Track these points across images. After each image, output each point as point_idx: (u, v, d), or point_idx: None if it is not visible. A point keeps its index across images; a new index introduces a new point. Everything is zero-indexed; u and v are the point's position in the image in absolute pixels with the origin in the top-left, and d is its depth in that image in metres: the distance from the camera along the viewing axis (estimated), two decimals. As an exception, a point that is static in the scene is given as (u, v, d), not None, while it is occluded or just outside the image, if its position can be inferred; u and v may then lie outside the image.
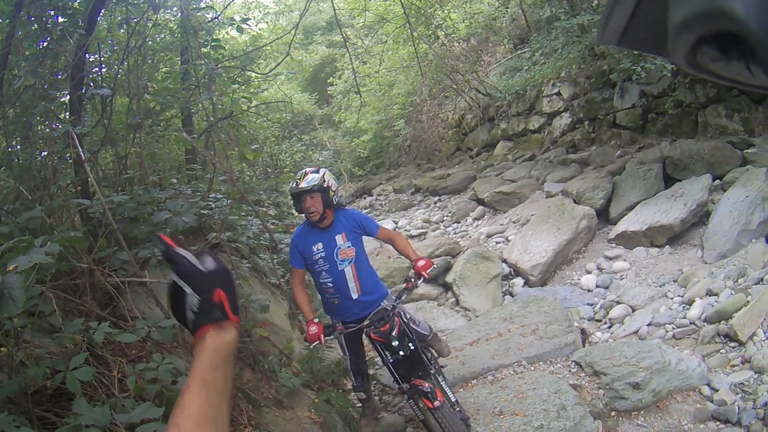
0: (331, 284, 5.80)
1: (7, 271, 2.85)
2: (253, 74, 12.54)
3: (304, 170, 5.77)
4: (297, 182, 5.60)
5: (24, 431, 2.66)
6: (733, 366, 7.12)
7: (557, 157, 16.38)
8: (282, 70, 16.85)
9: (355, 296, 5.81)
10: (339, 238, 5.76)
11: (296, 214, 8.19)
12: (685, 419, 6.53)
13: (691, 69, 0.84)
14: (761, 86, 0.80)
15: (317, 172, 5.67)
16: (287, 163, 19.87)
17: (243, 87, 11.24)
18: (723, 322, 7.77)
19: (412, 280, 5.71)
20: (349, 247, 5.79)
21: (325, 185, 5.58)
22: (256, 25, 21.50)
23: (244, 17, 9.69)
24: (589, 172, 13.96)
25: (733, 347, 7.42)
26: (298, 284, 5.94)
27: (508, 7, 20.98)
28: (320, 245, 5.74)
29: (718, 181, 10.96)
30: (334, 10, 13.30)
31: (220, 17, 10.36)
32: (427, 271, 5.67)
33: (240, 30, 9.24)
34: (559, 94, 17.72)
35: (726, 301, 8.02)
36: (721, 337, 7.65)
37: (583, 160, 15.08)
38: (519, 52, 22.06)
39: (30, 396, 3.35)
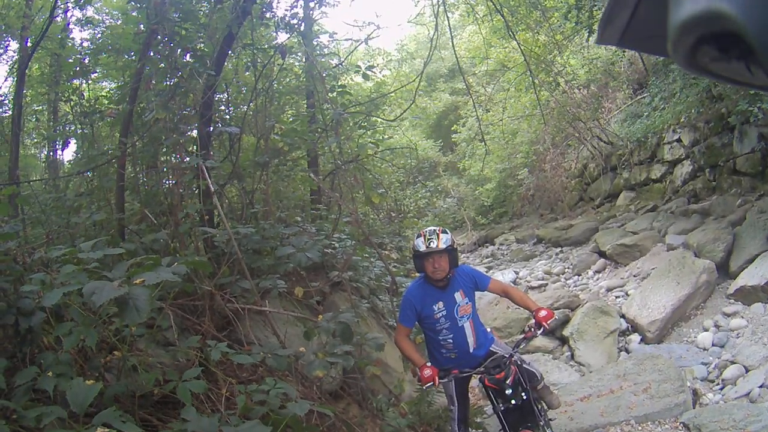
0: (451, 341, 5.74)
1: (134, 284, 3.08)
2: (379, 120, 12.81)
3: (432, 230, 5.72)
4: (431, 241, 5.52)
5: (129, 427, 2.81)
6: None
7: (679, 207, 15.88)
8: (406, 116, 17.16)
9: (471, 350, 5.78)
10: (458, 296, 5.71)
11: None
12: (789, 487, 6.20)
13: (691, 69, 0.87)
14: (761, 86, 0.83)
15: (445, 233, 5.67)
16: (411, 208, 20.03)
17: (368, 132, 11.52)
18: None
19: (532, 329, 5.63)
20: (467, 303, 5.75)
21: (454, 246, 5.60)
22: (379, 72, 21.93)
23: (370, 65, 9.95)
24: (710, 222, 13.49)
25: None
26: (404, 338, 5.87)
27: (625, 51, 20.72)
28: (441, 304, 5.67)
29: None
30: (456, 58, 13.51)
31: (343, 63, 10.70)
32: (548, 322, 5.56)
33: (366, 77, 9.52)
34: (679, 140, 17.22)
35: None
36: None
37: (704, 210, 14.56)
38: (639, 97, 21.57)
39: (136, 399, 3.56)
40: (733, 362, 8.75)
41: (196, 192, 6.98)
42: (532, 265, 18.50)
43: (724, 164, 15.02)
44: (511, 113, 24.74)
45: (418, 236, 5.64)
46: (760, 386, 7.82)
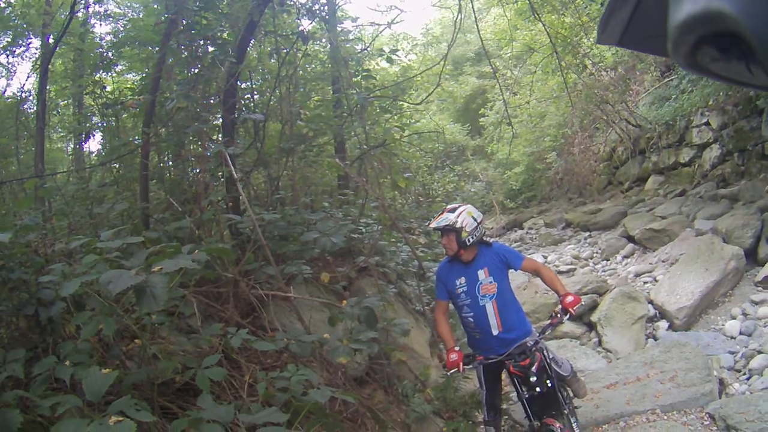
0: (472, 319, 5.75)
1: (152, 272, 3.09)
2: (405, 104, 12.77)
3: (443, 208, 5.87)
4: (432, 219, 5.79)
5: (143, 415, 2.82)
6: None
7: (707, 192, 15.68)
8: (433, 99, 17.06)
9: (495, 332, 5.68)
10: (481, 273, 5.71)
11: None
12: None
13: (692, 69, 0.87)
14: (761, 86, 0.83)
15: (453, 212, 5.66)
16: (439, 192, 19.99)
17: (395, 116, 11.47)
18: None
19: (558, 315, 5.58)
20: (491, 282, 5.70)
21: (457, 226, 5.53)
22: (405, 57, 21.78)
23: (394, 48, 9.93)
24: (738, 208, 13.29)
25: None
26: (440, 314, 5.98)
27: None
28: (462, 279, 5.73)
29: None
30: (482, 41, 13.33)
31: (369, 48, 10.67)
32: (575, 308, 5.51)
33: (390, 61, 9.47)
34: (708, 124, 16.94)
35: None
36: None
37: (732, 195, 14.33)
38: (666, 80, 21.24)
39: (157, 387, 3.60)
40: (760, 352, 8.63)
41: (222, 180, 7.03)
42: (561, 249, 18.50)
43: (753, 148, 14.73)
44: (539, 96, 24.59)
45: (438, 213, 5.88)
46: (787, 377, 7.66)
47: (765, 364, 8.30)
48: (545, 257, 17.34)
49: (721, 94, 15.63)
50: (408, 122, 13.79)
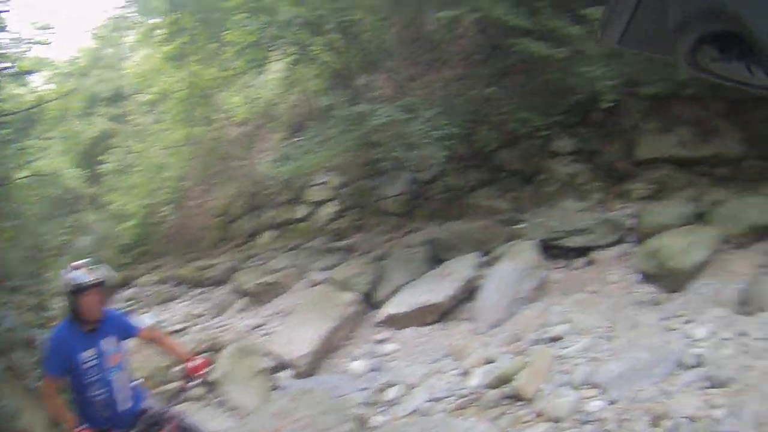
0: (103, 396, 5.03)
1: None
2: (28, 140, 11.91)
3: (81, 263, 5.18)
4: (95, 271, 5.02)
5: None
6: (526, 422, 7.11)
7: (322, 245, 16.57)
8: (56, 137, 16.12)
9: (126, 406, 5.16)
10: (109, 343, 5.11)
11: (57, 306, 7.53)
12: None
13: (692, 69, 0.91)
14: (761, 86, 0.86)
15: (93, 266, 5.13)
16: (52, 246, 18.87)
17: (18, 151, 10.67)
18: (505, 385, 7.79)
19: (187, 383, 5.51)
20: (117, 351, 5.14)
21: (109, 282, 5.17)
22: (44, 85, 20.49)
23: (28, 70, 9.28)
24: (354, 258, 14.18)
25: (521, 405, 7.40)
26: (54, 391, 5.09)
27: (291, 94, 21.22)
28: (92, 351, 4.97)
29: (486, 257, 11.39)
30: (122, 80, 13.02)
31: (13, 68, 9.90)
32: (201, 372, 5.44)
33: (20, 80, 8.86)
34: (327, 183, 18.05)
35: (506, 365, 8.12)
36: (507, 398, 7.65)
37: (349, 246, 15.32)
38: (295, 139, 22.24)
39: None
40: (392, 384, 9.16)
41: None
42: (173, 307, 18.15)
43: (372, 205, 15.93)
44: (163, 145, 24.27)
45: (74, 269, 5.04)
46: (428, 401, 8.25)
47: (402, 394, 8.80)
48: (157, 316, 16.76)
49: (347, 155, 16.63)
50: (25, 163, 12.84)
